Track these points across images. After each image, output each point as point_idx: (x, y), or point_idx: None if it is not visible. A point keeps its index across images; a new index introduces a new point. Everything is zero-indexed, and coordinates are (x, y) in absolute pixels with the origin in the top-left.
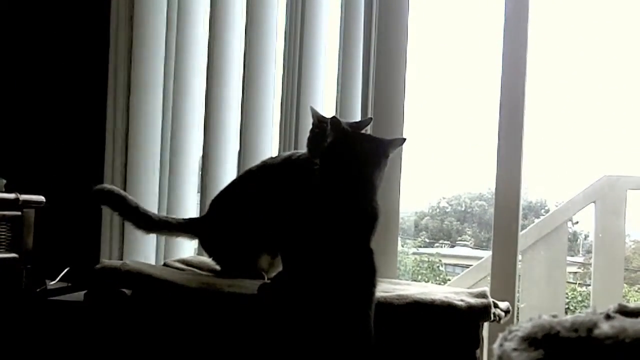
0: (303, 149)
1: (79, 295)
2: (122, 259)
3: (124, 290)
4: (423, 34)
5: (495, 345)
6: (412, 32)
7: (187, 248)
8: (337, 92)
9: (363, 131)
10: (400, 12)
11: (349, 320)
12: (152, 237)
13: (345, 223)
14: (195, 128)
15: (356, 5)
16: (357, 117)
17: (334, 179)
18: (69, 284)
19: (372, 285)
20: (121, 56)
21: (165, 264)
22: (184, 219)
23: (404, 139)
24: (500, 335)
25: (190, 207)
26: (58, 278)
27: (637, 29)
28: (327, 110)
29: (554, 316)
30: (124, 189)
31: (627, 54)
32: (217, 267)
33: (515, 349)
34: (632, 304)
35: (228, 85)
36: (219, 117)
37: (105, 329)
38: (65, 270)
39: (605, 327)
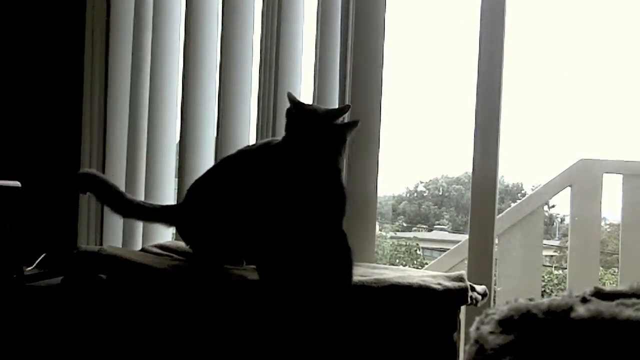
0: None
1: (57, 281)
2: (100, 245)
3: (101, 275)
4: (400, 19)
5: (472, 329)
6: (390, 17)
7: (166, 233)
8: (315, 76)
9: (341, 119)
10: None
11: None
12: (131, 223)
13: (312, 207)
14: (172, 112)
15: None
16: (335, 102)
17: (295, 165)
18: (45, 270)
19: (348, 267)
20: (97, 40)
21: (143, 249)
22: (160, 206)
23: (357, 122)
24: (477, 318)
25: (168, 193)
26: (35, 264)
27: (611, 16)
28: (305, 94)
29: (531, 299)
30: (104, 173)
31: (602, 39)
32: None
33: (491, 332)
34: (608, 287)
35: (204, 71)
36: (196, 103)
37: (83, 314)
38: (42, 256)
39: (581, 310)
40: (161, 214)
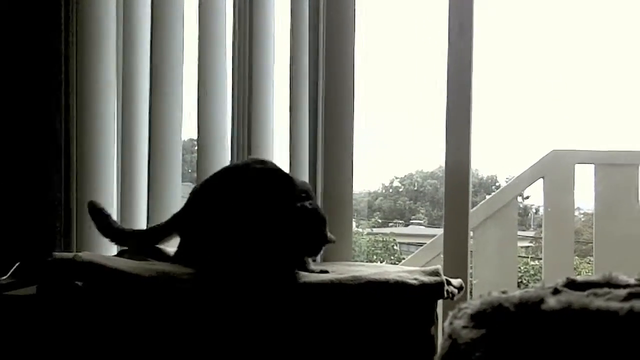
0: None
1: (32, 290)
2: (76, 251)
3: (77, 282)
4: (371, 18)
5: (446, 323)
6: (360, 17)
7: None
8: (290, 78)
9: None
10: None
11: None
12: None
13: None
14: (143, 120)
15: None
16: (307, 103)
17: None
18: (20, 279)
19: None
20: (70, 49)
21: (119, 254)
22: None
23: None
24: (450, 313)
25: (142, 200)
26: (9, 273)
27: (581, 8)
28: (278, 96)
29: (504, 292)
30: (77, 181)
31: (572, 30)
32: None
33: (464, 327)
34: (580, 277)
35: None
36: (164, 109)
37: (59, 322)
38: (17, 265)
39: (552, 302)
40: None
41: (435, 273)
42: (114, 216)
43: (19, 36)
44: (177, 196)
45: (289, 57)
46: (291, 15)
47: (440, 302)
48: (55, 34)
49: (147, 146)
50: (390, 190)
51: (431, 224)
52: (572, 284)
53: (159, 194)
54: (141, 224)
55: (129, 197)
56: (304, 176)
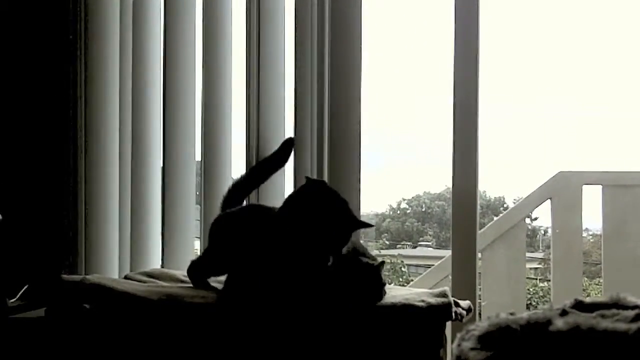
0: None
1: (41, 313)
2: (83, 274)
3: (85, 305)
4: (378, 34)
5: (454, 345)
6: (367, 33)
7: (152, 261)
8: (295, 104)
9: None
10: (354, 18)
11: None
12: (115, 251)
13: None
14: (156, 141)
15: (308, 16)
16: (314, 126)
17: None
18: (29, 302)
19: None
20: (79, 64)
21: (126, 277)
22: None
23: None
24: (458, 335)
25: (154, 221)
26: (18, 295)
27: (589, 31)
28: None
29: (512, 314)
30: (86, 203)
31: (580, 50)
32: (181, 277)
33: (472, 349)
34: (588, 299)
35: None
36: (178, 129)
37: (67, 345)
38: (25, 288)
39: (559, 323)
40: None
41: (442, 294)
42: (127, 241)
43: (29, 71)
44: (192, 219)
45: (294, 83)
46: (296, 41)
47: (449, 324)
48: (67, 65)
49: (160, 168)
50: (398, 212)
51: (439, 246)
52: (580, 306)
53: (174, 216)
54: (154, 243)
55: (141, 220)
56: None
